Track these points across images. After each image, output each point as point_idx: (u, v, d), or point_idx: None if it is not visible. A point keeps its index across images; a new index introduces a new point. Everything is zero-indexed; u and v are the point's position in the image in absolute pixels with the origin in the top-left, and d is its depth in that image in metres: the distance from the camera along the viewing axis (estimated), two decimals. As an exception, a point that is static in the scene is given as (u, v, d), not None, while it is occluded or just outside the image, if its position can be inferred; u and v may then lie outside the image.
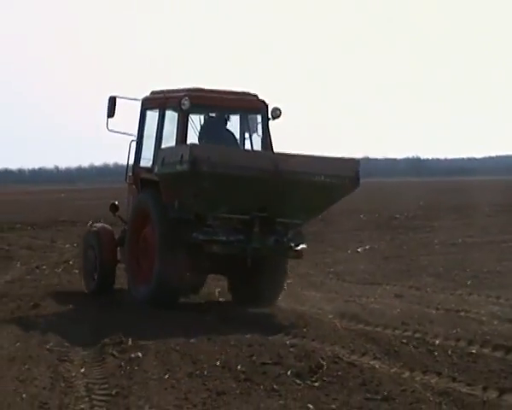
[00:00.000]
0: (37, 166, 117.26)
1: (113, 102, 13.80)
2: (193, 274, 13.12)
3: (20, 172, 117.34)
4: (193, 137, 13.33)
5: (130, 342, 10.06)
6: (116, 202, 14.57)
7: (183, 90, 13.22)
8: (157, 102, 13.59)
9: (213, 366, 9.06)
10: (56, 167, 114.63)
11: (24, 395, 7.94)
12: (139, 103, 13.92)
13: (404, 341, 10.33)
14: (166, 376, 8.66)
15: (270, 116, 13.48)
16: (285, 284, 13.56)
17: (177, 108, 13.06)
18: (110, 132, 13.84)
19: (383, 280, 16.19)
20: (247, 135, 13.71)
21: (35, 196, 52.14)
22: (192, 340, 10.37)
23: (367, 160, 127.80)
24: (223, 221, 12.41)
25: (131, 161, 14.01)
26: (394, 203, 43.54)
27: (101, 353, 9.74)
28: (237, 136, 13.66)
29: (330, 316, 12.17)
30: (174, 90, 13.46)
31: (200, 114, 13.49)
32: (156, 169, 12.72)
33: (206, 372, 8.82)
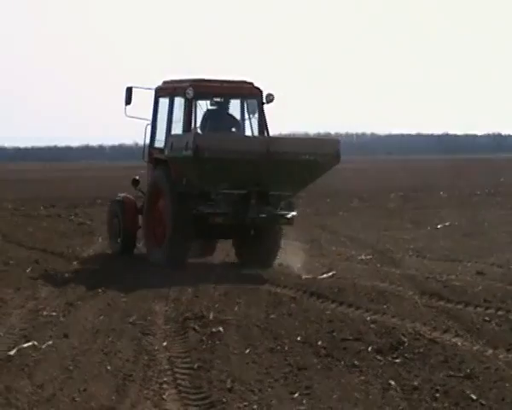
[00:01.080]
0: (116, 143, 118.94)
1: (129, 91, 15.63)
2: (200, 240, 15.36)
3: (101, 148, 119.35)
4: (198, 121, 15.29)
5: (211, 317, 10.16)
6: (137, 177, 16.28)
7: (188, 81, 15.18)
8: (167, 90, 15.58)
9: (294, 342, 9.09)
10: (136, 144, 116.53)
11: (109, 367, 8.09)
12: (153, 92, 15.79)
13: (487, 318, 10.20)
14: (248, 351, 8.73)
15: (264, 101, 15.27)
16: (280, 249, 15.15)
17: (183, 96, 14.95)
18: (129, 118, 15.68)
19: (464, 257, 15.98)
20: (246, 117, 15.51)
21: (115, 172, 52.85)
22: (272, 315, 10.42)
23: (446, 136, 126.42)
24: (224, 196, 14.34)
25: (147, 142, 15.94)
26: (475, 180, 42.86)
27: (183, 327, 9.84)
28: (238, 119, 15.45)
29: (410, 293, 12.07)
30: (181, 80, 15.41)
31: (204, 100, 15.33)
32: (166, 152, 14.70)
33: (286, 348, 8.86)
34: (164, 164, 15.01)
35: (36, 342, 8.90)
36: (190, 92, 14.80)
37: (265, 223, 14.60)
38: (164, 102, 15.61)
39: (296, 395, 7.32)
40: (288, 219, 14.69)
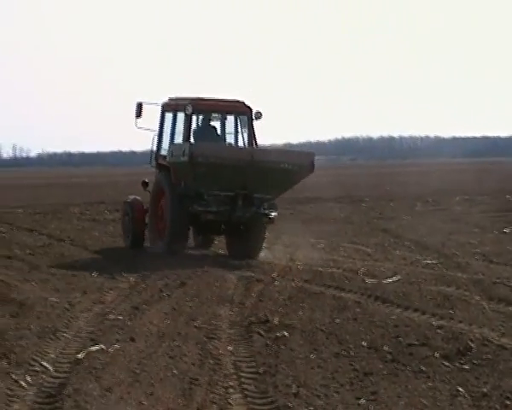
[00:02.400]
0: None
1: (140, 106, 17.88)
2: (200, 235, 18.37)
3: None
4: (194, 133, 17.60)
5: (276, 321, 10.16)
6: (146, 180, 18.61)
7: (188, 99, 17.59)
8: (171, 106, 18.01)
9: (359, 347, 9.04)
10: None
11: (175, 371, 8.13)
12: (159, 107, 18.19)
13: (557, 324, 10.01)
14: (313, 355, 8.70)
15: (253, 117, 17.61)
16: (263, 244, 17.44)
17: (183, 111, 17.41)
18: (138, 129, 17.97)
19: (533, 262, 15.70)
20: (238, 131, 17.85)
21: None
22: (337, 320, 10.38)
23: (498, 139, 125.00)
24: (215, 197, 16.77)
25: (154, 150, 18.27)
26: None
27: (248, 331, 9.86)
28: (220, 132, 17.93)
29: (477, 298, 11.91)
30: (183, 98, 17.78)
31: (201, 115, 17.81)
32: (167, 159, 17.32)
33: (352, 352, 8.81)
34: (166, 169, 17.48)
35: (103, 346, 8.99)
36: (189, 109, 17.27)
37: (250, 221, 16.96)
38: (168, 116, 18.05)
39: (362, 400, 7.27)
40: (270, 218, 17.06)
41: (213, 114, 17.98)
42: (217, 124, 18.08)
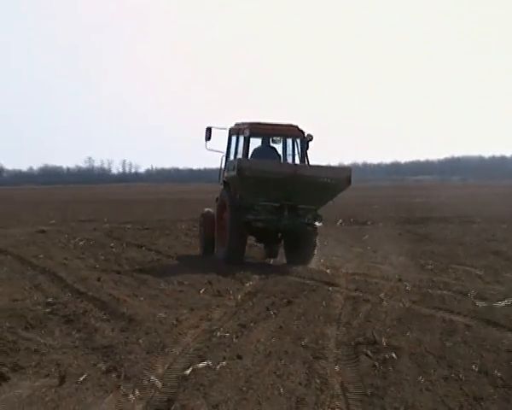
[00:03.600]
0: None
1: (209, 130, 20.12)
2: (265, 245, 20.80)
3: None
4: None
5: (384, 343, 10.08)
6: (218, 196, 20.29)
7: (247, 123, 19.72)
8: (235, 130, 20.21)
9: (470, 371, 8.88)
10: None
11: (281, 390, 8.15)
12: (227, 131, 20.52)
13: None
14: (421, 378, 8.59)
15: (307, 139, 19.58)
16: (315, 251, 19.26)
17: (242, 134, 19.71)
18: (208, 151, 20.13)
19: None
20: (291, 153, 19.96)
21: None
22: (447, 343, 10.22)
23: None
24: (263, 207, 18.76)
25: (223, 169, 20.39)
26: None
27: (355, 352, 9.79)
28: (279, 152, 19.98)
29: None
30: (245, 122, 19.87)
31: (258, 138, 19.96)
32: (225, 174, 19.66)
33: (462, 376, 8.66)
34: (227, 184, 19.55)
35: (210, 363, 9.08)
36: (247, 132, 19.47)
37: (295, 229, 18.91)
38: (234, 139, 20.28)
39: (473, 426, 7.14)
40: (314, 227, 19.00)
41: (274, 137, 19.98)
42: (278, 146, 20.08)
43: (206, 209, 21.64)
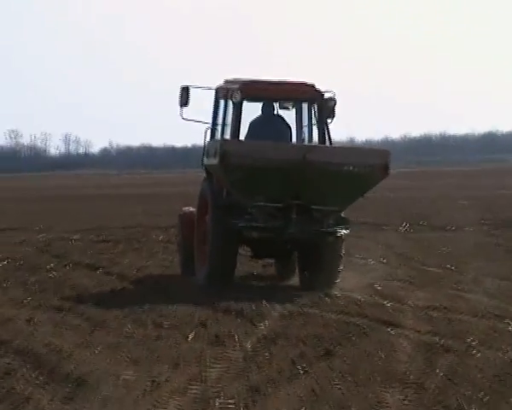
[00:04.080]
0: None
1: (186, 91, 20.54)
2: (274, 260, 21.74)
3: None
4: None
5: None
6: None
7: (239, 82, 20.06)
8: (224, 92, 20.52)
9: None
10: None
11: None
12: (213, 92, 20.94)
13: None
14: None
15: (325, 106, 20.00)
16: (339, 270, 19.78)
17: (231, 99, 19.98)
18: (186, 121, 20.63)
19: None
20: (304, 125, 20.56)
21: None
22: None
23: None
24: (261, 209, 18.98)
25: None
26: None
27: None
28: (293, 127, 20.65)
29: None
30: (237, 80, 20.23)
31: (256, 102, 20.52)
32: (204, 161, 20.06)
33: None
34: (210, 174, 20.10)
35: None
36: (237, 95, 19.74)
37: (308, 240, 19.44)
38: (222, 105, 20.75)
39: None
40: (338, 237, 19.50)
41: (284, 102, 20.55)
42: (289, 115, 20.69)
43: (186, 208, 22.06)
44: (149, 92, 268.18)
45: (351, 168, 18.85)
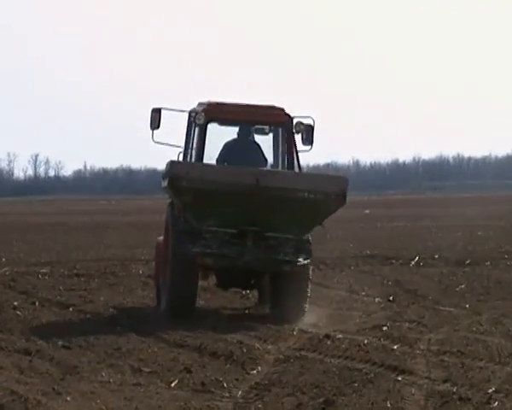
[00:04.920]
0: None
1: (157, 113, 22.08)
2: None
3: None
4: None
5: None
6: None
7: (205, 104, 21.93)
8: (193, 115, 22.09)
9: None
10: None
11: None
12: (186, 114, 22.53)
13: None
14: None
15: (294, 130, 21.65)
16: (305, 304, 21.17)
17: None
18: (157, 144, 22.30)
19: None
20: (272, 149, 22.37)
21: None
22: None
23: None
24: (216, 235, 20.63)
25: None
26: None
27: None
28: (263, 151, 22.32)
29: None
30: (206, 103, 22.06)
31: (222, 126, 22.42)
32: (162, 183, 21.31)
33: None
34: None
35: None
36: (201, 118, 21.48)
37: (264, 268, 20.95)
38: (193, 127, 22.22)
39: None
40: (295, 266, 20.65)
41: (257, 126, 22.09)
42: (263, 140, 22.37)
43: (161, 237, 23.19)
44: (128, 109, 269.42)
45: (305, 195, 20.27)
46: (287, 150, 21.87)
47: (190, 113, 22.31)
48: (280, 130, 21.99)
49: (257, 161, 21.94)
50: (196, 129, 21.89)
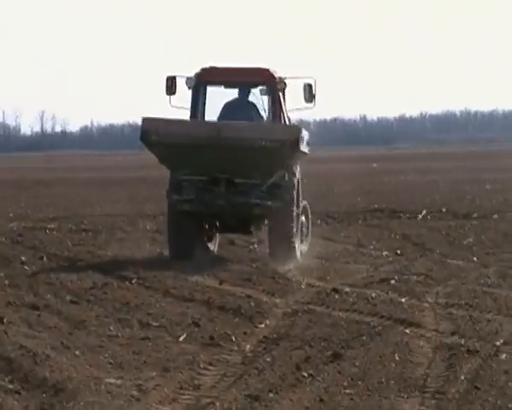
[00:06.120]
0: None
1: (172, 80, 24.48)
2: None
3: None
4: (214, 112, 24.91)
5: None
6: None
7: (200, 69, 24.32)
8: (187, 80, 24.44)
9: None
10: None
11: None
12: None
13: None
14: None
15: (279, 88, 24.11)
16: (291, 245, 23.23)
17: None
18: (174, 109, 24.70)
19: None
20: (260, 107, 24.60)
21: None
22: None
23: None
24: (192, 183, 23.15)
25: None
26: None
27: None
28: (259, 109, 24.63)
29: None
30: (208, 68, 24.42)
31: (213, 87, 24.77)
32: None
33: None
34: None
35: None
36: (191, 80, 24.10)
37: (236, 211, 23.25)
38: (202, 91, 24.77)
39: None
40: (264, 208, 22.95)
41: (257, 88, 24.50)
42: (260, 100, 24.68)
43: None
44: (136, 65, 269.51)
45: (262, 143, 22.19)
46: (271, 106, 24.25)
47: (186, 78, 24.66)
48: (265, 88, 24.37)
49: (252, 118, 24.22)
50: (190, 91, 24.38)
